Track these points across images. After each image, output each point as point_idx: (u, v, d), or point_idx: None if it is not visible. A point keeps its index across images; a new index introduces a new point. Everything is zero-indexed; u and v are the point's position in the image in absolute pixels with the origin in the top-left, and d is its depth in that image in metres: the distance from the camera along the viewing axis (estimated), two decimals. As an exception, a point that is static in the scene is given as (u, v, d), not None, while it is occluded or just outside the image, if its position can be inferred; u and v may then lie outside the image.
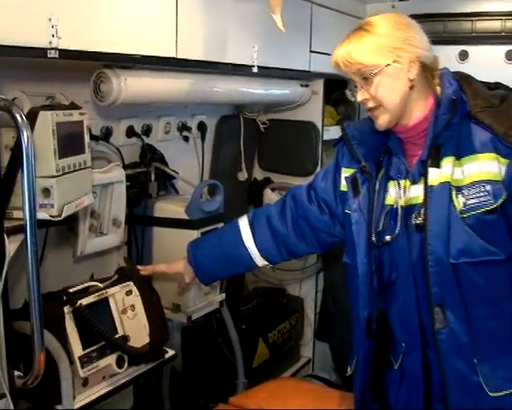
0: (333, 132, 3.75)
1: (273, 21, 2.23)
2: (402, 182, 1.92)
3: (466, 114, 1.82)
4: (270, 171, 3.81)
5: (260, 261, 2.31)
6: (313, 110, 3.64)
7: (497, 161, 1.76)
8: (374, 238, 1.94)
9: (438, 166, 1.83)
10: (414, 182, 1.90)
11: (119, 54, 2.08)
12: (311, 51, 3.32)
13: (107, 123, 2.59)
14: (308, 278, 3.85)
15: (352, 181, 2.03)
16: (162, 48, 2.25)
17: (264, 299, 3.67)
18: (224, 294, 2.89)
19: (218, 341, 3.18)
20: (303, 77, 3.46)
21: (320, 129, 3.63)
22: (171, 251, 2.63)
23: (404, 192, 1.91)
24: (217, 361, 3.22)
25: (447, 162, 1.81)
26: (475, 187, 1.77)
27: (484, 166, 1.77)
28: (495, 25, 3.61)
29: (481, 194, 1.76)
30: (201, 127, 3.19)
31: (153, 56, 2.22)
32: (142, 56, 2.17)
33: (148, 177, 2.73)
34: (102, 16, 2.00)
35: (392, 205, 1.93)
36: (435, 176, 1.83)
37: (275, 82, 3.31)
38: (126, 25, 2.09)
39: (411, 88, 1.84)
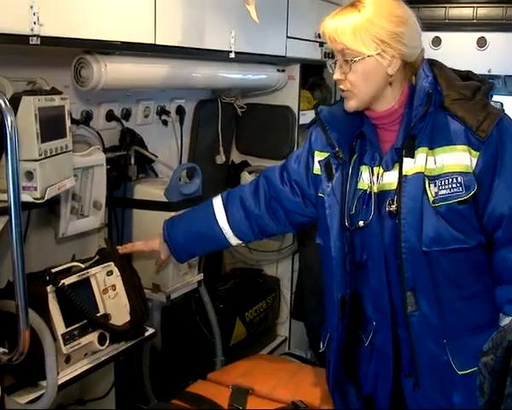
0: (309, 117, 3.75)
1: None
2: (376, 169, 1.96)
3: (439, 105, 1.86)
4: (248, 154, 3.86)
5: (234, 240, 2.34)
6: (290, 95, 3.69)
7: (469, 153, 1.81)
8: (347, 222, 1.99)
9: (412, 156, 1.86)
10: (387, 169, 1.94)
11: (100, 40, 2.12)
12: (287, 37, 3.36)
13: (87, 107, 2.63)
14: (284, 259, 3.92)
15: (326, 165, 2.05)
16: (141, 35, 2.30)
17: (241, 279, 3.74)
18: (201, 274, 2.95)
19: (197, 320, 3.24)
20: (280, 62, 3.51)
21: (296, 113, 3.68)
22: (151, 233, 2.66)
23: (377, 179, 1.95)
24: (195, 340, 3.29)
25: (421, 153, 1.85)
26: (447, 178, 1.82)
27: (456, 158, 1.82)
28: (467, 12, 3.68)
29: (453, 185, 1.81)
30: (180, 111, 3.24)
31: (132, 43, 2.26)
32: (122, 43, 2.21)
33: (127, 160, 2.78)
34: (83, 4, 2.04)
35: (366, 190, 1.98)
36: (409, 166, 1.86)
37: (252, 67, 3.36)
38: (107, 12, 2.14)
39: (390, 83, 1.88)
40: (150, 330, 2.48)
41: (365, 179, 1.98)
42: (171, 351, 3.32)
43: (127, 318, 2.33)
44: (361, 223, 1.96)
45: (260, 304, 3.67)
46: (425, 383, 1.96)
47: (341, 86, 1.90)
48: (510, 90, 4.36)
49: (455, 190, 1.81)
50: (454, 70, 1.96)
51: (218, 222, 2.32)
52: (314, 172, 2.13)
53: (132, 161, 2.81)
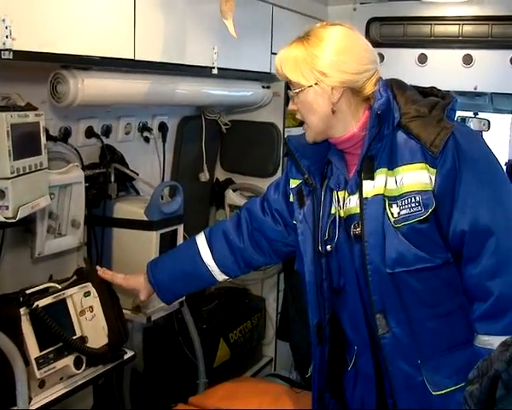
0: (294, 134, 3.75)
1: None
2: (341, 193, 1.96)
3: (397, 124, 1.85)
4: (232, 172, 3.82)
5: (220, 276, 2.29)
6: (275, 111, 3.65)
7: (427, 171, 1.79)
8: (320, 247, 1.99)
9: (371, 178, 1.86)
10: (352, 193, 1.92)
11: (76, 55, 2.08)
12: (272, 53, 3.32)
13: (65, 123, 2.58)
14: (270, 278, 3.86)
15: (298, 192, 2.06)
16: (120, 49, 2.25)
17: (225, 299, 3.68)
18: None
19: (179, 341, 3.19)
20: (264, 78, 3.47)
21: (281, 130, 3.64)
22: (131, 252, 2.65)
23: (344, 203, 1.95)
24: (178, 362, 3.22)
25: (380, 174, 1.85)
26: (407, 198, 1.80)
27: (415, 177, 1.80)
28: (453, 29, 3.66)
29: (412, 204, 1.80)
30: (162, 128, 3.19)
31: (110, 58, 2.21)
32: (100, 58, 2.17)
33: (107, 178, 2.73)
34: (59, 17, 1.99)
35: (335, 214, 1.98)
36: (369, 188, 1.86)
37: (236, 83, 3.33)
38: (83, 26, 2.09)
39: (335, 112, 1.86)
40: (129, 353, 2.41)
41: (335, 204, 1.98)
42: (153, 373, 3.24)
43: (105, 340, 2.26)
44: (328, 247, 1.98)
45: (245, 324, 3.61)
46: (403, 405, 1.94)
47: (296, 116, 1.94)
48: (496, 107, 4.35)
49: (414, 209, 1.80)
50: (417, 87, 1.97)
51: (203, 259, 2.27)
52: (290, 199, 2.12)
53: (112, 179, 2.75)
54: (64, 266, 2.64)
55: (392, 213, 1.82)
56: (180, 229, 2.78)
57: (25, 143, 1.96)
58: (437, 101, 1.88)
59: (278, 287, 3.85)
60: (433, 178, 1.79)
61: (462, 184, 1.79)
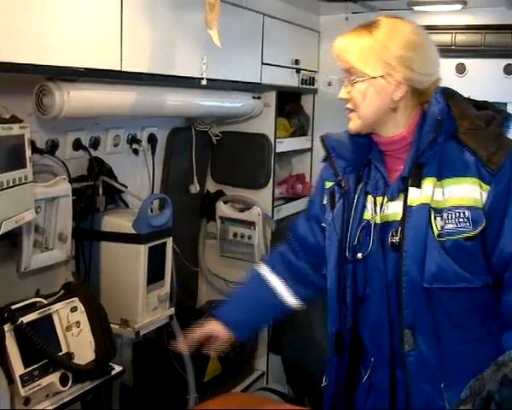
0: (286, 145, 3.76)
1: (222, 32, 2.23)
2: (378, 199, 1.88)
3: (451, 134, 1.78)
4: (223, 183, 3.78)
5: (291, 300, 2.15)
6: (266, 122, 3.62)
7: (479, 187, 1.72)
8: (348, 253, 1.90)
9: (419, 185, 1.78)
10: (392, 198, 1.84)
11: (61, 67, 2.05)
12: (262, 63, 3.31)
13: (52, 136, 2.55)
14: (261, 291, 3.81)
15: (331, 194, 1.99)
16: (106, 61, 2.22)
17: (216, 312, 3.63)
18: (173, 308, 2.86)
19: (169, 355, 3.14)
20: (255, 89, 3.44)
21: (272, 141, 3.61)
22: (119, 266, 2.62)
23: (381, 209, 1.87)
24: (168, 376, 3.17)
25: (428, 183, 1.77)
26: (455, 212, 1.73)
27: (465, 191, 1.73)
28: (446, 38, 3.64)
29: (460, 220, 1.72)
30: (152, 140, 3.15)
31: (97, 69, 2.18)
32: (86, 70, 2.13)
33: (95, 190, 2.69)
34: (44, 29, 1.97)
35: (369, 220, 1.88)
36: (415, 196, 1.78)
37: (226, 94, 3.29)
38: (69, 38, 2.06)
39: (394, 109, 1.81)
40: (117, 368, 2.38)
41: (369, 209, 1.89)
42: (142, 388, 3.20)
43: (92, 356, 2.23)
44: (359, 255, 1.88)
45: (236, 338, 3.56)
46: None
47: (346, 105, 1.86)
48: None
49: (462, 224, 1.72)
50: (469, 99, 1.89)
51: (271, 287, 2.14)
52: (323, 202, 2.04)
53: (100, 192, 2.72)
54: (51, 280, 2.59)
55: (436, 226, 1.74)
56: (169, 242, 2.75)
57: (9, 155, 1.93)
58: (493, 115, 1.80)
59: (270, 300, 3.80)
60: (486, 195, 1.72)
61: None
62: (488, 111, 1.84)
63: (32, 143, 2.24)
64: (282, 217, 3.77)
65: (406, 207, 1.79)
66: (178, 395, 3.13)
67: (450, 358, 1.80)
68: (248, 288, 2.26)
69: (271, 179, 3.64)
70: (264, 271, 2.18)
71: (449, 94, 1.85)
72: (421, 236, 1.75)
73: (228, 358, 3.46)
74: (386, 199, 1.86)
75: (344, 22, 3.91)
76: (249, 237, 3.63)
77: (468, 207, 1.72)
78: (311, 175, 4.12)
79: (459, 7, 3.43)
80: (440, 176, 1.77)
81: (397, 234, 1.81)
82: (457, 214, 1.72)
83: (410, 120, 1.84)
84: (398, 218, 1.81)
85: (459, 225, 1.72)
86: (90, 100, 2.38)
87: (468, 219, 1.72)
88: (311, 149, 4.10)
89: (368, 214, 1.89)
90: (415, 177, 1.79)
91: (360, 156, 1.95)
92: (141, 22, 2.36)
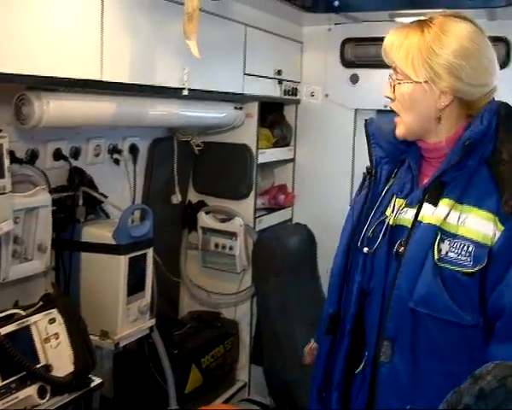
0: (268, 155, 3.75)
1: (199, 44, 2.20)
2: (398, 201, 1.83)
3: (485, 159, 1.69)
4: (205, 194, 3.77)
5: None
6: (248, 133, 3.61)
7: (494, 224, 1.63)
8: (359, 242, 1.87)
9: (435, 204, 1.71)
10: (410, 205, 1.79)
11: (40, 77, 2.02)
12: (244, 74, 3.30)
13: (32, 145, 2.53)
14: (243, 302, 3.81)
15: (363, 178, 1.96)
16: (86, 70, 2.20)
17: (198, 323, 3.63)
18: (153, 319, 2.83)
19: (150, 367, 3.12)
20: (237, 99, 3.43)
21: (254, 152, 3.61)
22: (99, 277, 2.60)
23: (398, 211, 1.82)
24: (148, 388, 3.15)
25: (445, 204, 1.70)
26: (461, 242, 1.65)
27: (479, 224, 1.65)
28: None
29: (462, 252, 1.64)
30: (133, 150, 3.14)
31: (77, 79, 2.16)
32: (65, 79, 2.11)
33: (75, 201, 2.67)
34: (23, 37, 1.94)
35: (386, 218, 1.84)
36: (427, 213, 1.72)
37: (208, 104, 3.28)
38: (49, 47, 2.04)
39: (438, 119, 1.73)
40: (97, 380, 2.34)
41: (391, 207, 1.85)
42: (123, 399, 3.18)
43: (71, 368, 2.19)
44: (365, 249, 1.85)
45: (217, 349, 3.55)
46: None
47: (390, 105, 1.80)
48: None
49: (462, 258, 1.64)
50: None
51: None
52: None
53: (80, 202, 2.70)
54: (31, 291, 2.57)
55: (439, 249, 1.66)
56: (150, 253, 2.73)
57: (-14, 165, 1.91)
58: None
59: (252, 311, 3.79)
60: (498, 234, 1.62)
61: None
62: None
63: (12, 153, 2.22)
64: (264, 228, 3.76)
65: (415, 221, 1.75)
66: (159, 407, 3.11)
67: (422, 384, 1.74)
68: None
69: (253, 190, 3.64)
70: None
71: (504, 112, 1.74)
72: (421, 254, 1.70)
73: (209, 369, 3.45)
74: (405, 203, 1.81)
75: (327, 33, 3.93)
76: (231, 248, 3.62)
77: (474, 242, 1.64)
78: (293, 186, 4.12)
79: (440, 19, 3.44)
80: (461, 199, 1.69)
81: (402, 245, 1.76)
82: (462, 246, 1.65)
83: (452, 130, 1.75)
84: (409, 226, 1.77)
85: (459, 257, 1.65)
86: (70, 110, 2.37)
87: (470, 254, 1.64)
88: (293, 160, 4.10)
89: (389, 211, 1.85)
90: (433, 194, 1.73)
91: (397, 150, 1.90)
92: (121, 32, 2.35)
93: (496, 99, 1.77)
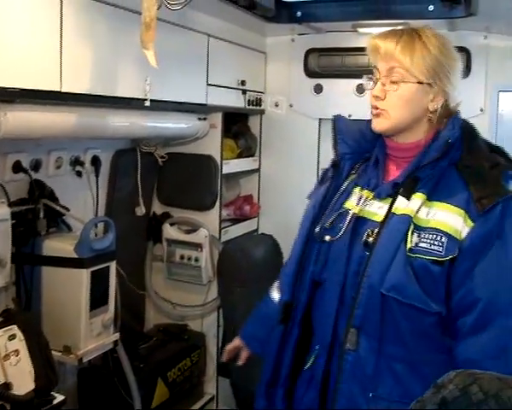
0: (232, 166, 3.74)
1: (161, 54, 2.18)
2: (366, 192, 1.92)
3: (454, 163, 1.81)
4: (170, 205, 3.74)
5: None
6: (212, 144, 3.59)
7: (463, 220, 1.73)
8: (317, 232, 1.95)
9: (408, 197, 1.80)
10: (378, 197, 1.89)
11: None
12: (208, 84, 3.29)
13: (-10, 158, 2.48)
14: (209, 314, 3.78)
15: (324, 172, 2.09)
16: (45, 81, 2.16)
17: (164, 336, 3.60)
18: (117, 333, 2.79)
19: (115, 381, 3.07)
20: (200, 110, 3.41)
21: (219, 163, 3.59)
22: (61, 291, 2.55)
23: (364, 202, 1.90)
24: (114, 403, 3.10)
25: (418, 198, 1.79)
26: (433, 234, 1.73)
27: (449, 218, 1.74)
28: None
29: (435, 242, 1.72)
30: (95, 162, 3.10)
31: (35, 90, 2.12)
32: (22, 90, 2.06)
33: (36, 214, 2.63)
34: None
35: (348, 209, 1.92)
36: (401, 205, 1.80)
37: (171, 115, 3.25)
38: (4, 57, 1.99)
39: (429, 120, 1.85)
40: (59, 397, 2.29)
41: (353, 201, 1.94)
42: (87, 415, 3.12)
43: (32, 385, 2.15)
44: (327, 237, 1.92)
45: (184, 362, 3.52)
46: None
47: (378, 103, 1.85)
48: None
49: (434, 247, 1.72)
50: (485, 140, 1.93)
51: (272, 297, 2.28)
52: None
53: (41, 215, 2.65)
54: (-9, 307, 2.50)
55: (411, 241, 1.74)
56: (112, 266, 2.69)
57: None
58: (498, 162, 1.82)
59: (218, 322, 3.77)
60: (467, 230, 1.72)
61: (495, 254, 1.72)
62: (497, 156, 1.86)
63: (-32, 166, 2.18)
64: (230, 239, 3.74)
65: (389, 213, 1.81)
66: (125, 422, 3.06)
67: (385, 372, 1.80)
68: (260, 305, 2.36)
69: (218, 201, 3.62)
70: (272, 289, 2.32)
71: (467, 128, 1.89)
72: (393, 244, 1.76)
73: (176, 382, 3.41)
74: (372, 195, 1.90)
75: (290, 43, 3.95)
76: (196, 260, 3.60)
77: (446, 234, 1.72)
78: (258, 196, 4.11)
79: (402, 29, 3.47)
80: (431, 197, 1.79)
81: (373, 234, 1.82)
82: (434, 236, 1.73)
83: (425, 134, 1.87)
84: (375, 218, 1.85)
85: (432, 247, 1.73)
86: (29, 121, 2.31)
87: (442, 244, 1.72)
88: (258, 170, 4.09)
89: (349, 204, 1.94)
90: (407, 188, 1.81)
91: (363, 149, 2.01)
92: (81, 42, 2.31)
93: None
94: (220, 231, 3.67)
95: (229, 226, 3.82)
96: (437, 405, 1.01)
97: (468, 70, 3.49)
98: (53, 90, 2.20)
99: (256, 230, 4.11)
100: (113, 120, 2.79)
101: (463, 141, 1.84)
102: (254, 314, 2.36)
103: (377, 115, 1.87)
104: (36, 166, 2.74)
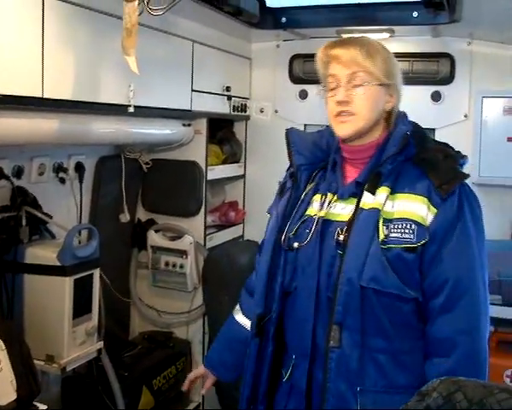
0: (217, 172, 3.73)
1: (144, 60, 2.17)
2: (329, 195, 1.95)
3: (410, 157, 1.88)
4: (154, 212, 3.72)
5: None
6: (197, 150, 3.57)
7: (427, 208, 1.80)
8: (283, 244, 1.97)
9: (373, 193, 1.85)
10: (341, 198, 1.93)
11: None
12: (192, 90, 3.28)
13: (-29, 165, 2.45)
14: (195, 321, 3.76)
15: (282, 185, 2.11)
16: (27, 88, 2.14)
17: (149, 344, 3.57)
18: (101, 342, 2.76)
19: (99, 390, 3.04)
20: (185, 116, 3.40)
21: (204, 169, 3.57)
22: (44, 299, 2.52)
23: (328, 205, 1.94)
24: (98, 412, 3.07)
25: (382, 192, 1.84)
26: (402, 223, 1.79)
27: (413, 207, 1.81)
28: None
29: (405, 230, 1.78)
30: (79, 168, 3.07)
31: (16, 96, 2.10)
32: (4, 96, 2.04)
33: (18, 221, 2.59)
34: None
35: (311, 216, 1.96)
36: (368, 201, 1.85)
37: (156, 122, 3.23)
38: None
39: (385, 120, 1.93)
40: (42, 407, 2.27)
41: (315, 207, 1.97)
42: (71, 425, 3.09)
43: (13, 395, 2.11)
44: (295, 244, 1.95)
45: (170, 370, 3.49)
46: None
47: (344, 107, 1.88)
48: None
49: (406, 235, 1.78)
50: (433, 139, 2.09)
51: (237, 321, 2.29)
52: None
53: (24, 223, 2.62)
54: (-28, 316, 2.48)
55: (382, 232, 1.79)
56: (96, 273, 2.66)
57: None
58: (450, 152, 1.92)
59: (204, 329, 3.74)
60: (431, 217, 1.79)
61: (458, 235, 1.80)
62: (446, 147, 1.96)
63: (-51, 173, 2.15)
64: (215, 245, 3.73)
65: (358, 209, 1.86)
66: (109, 431, 3.03)
67: (370, 364, 1.83)
68: (224, 329, 2.37)
69: (203, 207, 3.60)
70: (235, 311, 2.32)
71: (416, 125, 1.98)
72: (366, 238, 1.80)
73: (161, 390, 3.39)
74: (335, 198, 1.94)
75: (275, 49, 3.96)
76: (181, 266, 3.58)
77: (414, 222, 1.79)
78: (244, 202, 4.10)
79: (387, 35, 3.49)
80: (394, 190, 1.84)
81: (343, 232, 1.86)
82: (404, 225, 1.79)
83: (380, 134, 1.94)
84: (342, 219, 1.89)
85: (403, 235, 1.78)
86: (11, 128, 2.28)
87: (413, 231, 1.78)
88: (243, 176, 4.09)
89: (312, 210, 1.98)
90: (371, 184, 1.87)
91: (318, 159, 2.07)
92: (63, 48, 2.29)
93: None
94: (205, 238, 3.66)
95: (214, 233, 3.81)
96: (421, 413, 1.00)
97: (452, 76, 3.53)
98: (35, 96, 2.17)
99: (241, 236, 4.11)
100: (96, 126, 2.76)
101: (415, 138, 1.91)
102: (219, 340, 2.36)
103: (343, 122, 1.91)
104: (18, 172, 2.72)
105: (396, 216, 1.81)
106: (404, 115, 1.96)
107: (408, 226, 1.78)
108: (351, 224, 1.85)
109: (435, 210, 1.79)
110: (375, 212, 1.82)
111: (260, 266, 2.04)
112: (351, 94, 1.87)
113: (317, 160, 2.06)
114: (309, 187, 2.04)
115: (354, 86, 1.87)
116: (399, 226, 1.79)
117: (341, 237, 1.85)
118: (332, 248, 1.87)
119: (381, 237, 1.79)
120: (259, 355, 2.01)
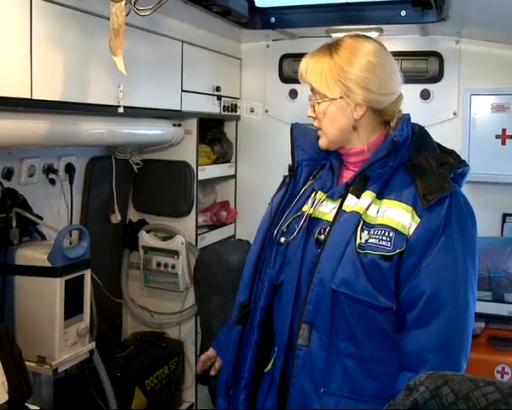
0: (208, 172, 3.73)
1: (132, 60, 2.17)
2: (320, 194, 1.98)
3: (403, 163, 1.87)
4: (145, 212, 3.71)
5: None
6: (187, 150, 3.57)
7: (411, 217, 1.78)
8: (274, 235, 2.00)
9: (358, 196, 1.85)
10: (331, 198, 1.94)
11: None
12: (182, 90, 3.28)
13: (-40, 167, 2.44)
14: (187, 321, 3.76)
15: (284, 178, 2.13)
16: (15, 89, 2.13)
17: (142, 344, 3.57)
18: (93, 342, 2.76)
19: (91, 391, 3.04)
20: (175, 116, 3.40)
21: (195, 169, 3.57)
22: (34, 301, 2.52)
23: (317, 203, 1.96)
24: (91, 413, 3.07)
25: (367, 195, 1.84)
26: (381, 229, 1.79)
27: (398, 215, 1.79)
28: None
29: (383, 237, 1.77)
30: (69, 169, 3.07)
31: (3, 97, 2.09)
32: (-9, 97, 2.04)
33: (8, 223, 2.59)
34: None
35: (304, 212, 1.98)
36: (351, 203, 1.86)
37: (146, 122, 3.23)
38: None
39: (354, 128, 1.90)
40: (34, 408, 2.27)
41: (309, 204, 1.99)
42: (63, 426, 3.08)
43: (5, 397, 2.12)
44: (282, 239, 1.98)
45: (162, 370, 3.49)
46: None
47: (314, 123, 1.96)
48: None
49: (383, 243, 1.77)
50: (436, 143, 1.98)
51: None
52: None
53: (14, 224, 2.62)
54: (-37, 318, 2.47)
55: (360, 237, 1.79)
56: (87, 274, 2.66)
57: None
58: (447, 160, 1.88)
59: (196, 330, 3.74)
60: (414, 226, 1.77)
61: (440, 248, 1.76)
62: (445, 155, 1.92)
63: None
64: (207, 245, 3.73)
65: (339, 211, 1.87)
66: (102, 432, 3.03)
67: (336, 368, 1.83)
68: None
69: (194, 207, 3.60)
70: None
71: (418, 130, 1.96)
72: (343, 241, 1.81)
73: (154, 391, 3.39)
74: (325, 197, 1.96)
75: (265, 49, 3.96)
76: (173, 267, 3.58)
77: (394, 230, 1.77)
78: (235, 202, 4.11)
79: (375, 34, 3.49)
80: (382, 195, 1.85)
81: (324, 232, 1.88)
82: (383, 232, 1.78)
83: (372, 137, 1.93)
84: (326, 218, 1.91)
85: (380, 243, 1.77)
86: (0, 130, 2.28)
87: (390, 239, 1.77)
88: (234, 176, 4.09)
89: (306, 207, 1.99)
90: (357, 187, 1.87)
91: (319, 156, 2.07)
92: (51, 49, 2.28)
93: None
94: (197, 238, 3.66)
95: (205, 233, 3.82)
96: (408, 408, 1.01)
97: (440, 74, 3.54)
98: (23, 97, 2.17)
99: (233, 235, 4.11)
100: (86, 127, 2.76)
101: (413, 142, 1.90)
102: (227, 324, 2.34)
103: (319, 135, 1.97)
104: (8, 174, 2.71)
105: (378, 222, 1.80)
106: (406, 119, 1.92)
107: (386, 234, 1.77)
108: (332, 224, 1.87)
109: (418, 220, 1.77)
110: (356, 216, 1.82)
111: (249, 254, 2.07)
112: (313, 110, 1.93)
113: (319, 157, 2.07)
114: (309, 183, 2.06)
115: (315, 102, 1.92)
116: (379, 233, 1.78)
117: (322, 237, 1.87)
118: (313, 246, 1.90)
119: (358, 241, 1.79)
120: (244, 342, 2.04)
